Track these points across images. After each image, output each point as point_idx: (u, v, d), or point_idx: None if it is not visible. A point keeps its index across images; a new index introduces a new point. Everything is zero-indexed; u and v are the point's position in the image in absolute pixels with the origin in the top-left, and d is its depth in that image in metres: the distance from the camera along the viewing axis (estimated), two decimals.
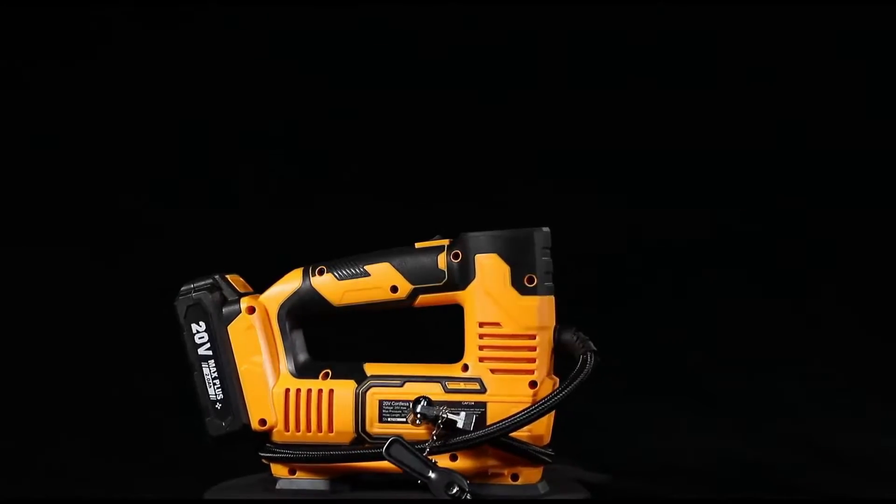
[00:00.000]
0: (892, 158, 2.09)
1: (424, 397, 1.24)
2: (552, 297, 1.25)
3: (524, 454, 1.24)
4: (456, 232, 1.28)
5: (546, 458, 1.26)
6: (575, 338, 1.24)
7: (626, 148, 2.10)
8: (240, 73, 2.08)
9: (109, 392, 1.82)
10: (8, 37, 2.05)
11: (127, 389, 1.84)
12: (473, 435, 1.21)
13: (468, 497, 1.18)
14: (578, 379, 1.20)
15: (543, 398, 1.21)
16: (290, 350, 1.30)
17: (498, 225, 1.26)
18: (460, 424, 1.21)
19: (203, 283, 1.30)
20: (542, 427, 1.24)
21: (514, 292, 1.23)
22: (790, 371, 1.94)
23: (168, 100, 2.06)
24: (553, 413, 1.24)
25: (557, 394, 1.20)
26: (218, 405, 1.28)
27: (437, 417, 1.22)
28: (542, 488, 1.27)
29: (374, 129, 2.09)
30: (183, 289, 1.30)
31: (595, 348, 1.23)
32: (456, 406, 1.23)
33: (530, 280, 1.23)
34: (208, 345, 1.28)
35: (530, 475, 1.26)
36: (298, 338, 1.32)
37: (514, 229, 1.24)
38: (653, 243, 2.07)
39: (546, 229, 1.25)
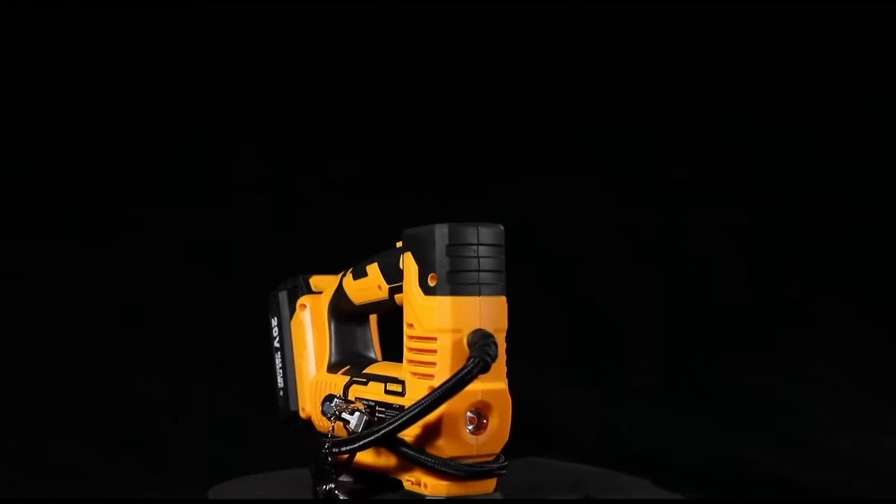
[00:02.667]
0: (891, 158, 2.09)
1: (334, 395, 1.24)
2: (474, 298, 1.15)
3: (419, 464, 1.15)
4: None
5: (441, 469, 1.14)
6: (475, 341, 1.14)
7: (626, 147, 2.10)
8: (239, 74, 2.08)
9: (109, 392, 1.82)
10: (7, 36, 2.05)
11: (127, 389, 1.84)
12: (349, 439, 1.17)
13: (337, 496, 1.17)
14: (443, 388, 1.11)
15: (408, 408, 1.12)
16: (336, 346, 1.34)
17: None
18: (351, 426, 1.19)
19: (286, 282, 1.38)
20: (439, 438, 1.15)
21: (419, 292, 1.17)
22: (790, 371, 1.94)
23: (168, 100, 2.06)
24: (441, 418, 1.14)
25: (419, 404, 1.11)
26: (281, 392, 1.37)
27: (333, 416, 1.21)
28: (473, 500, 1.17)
29: (377, 128, 2.09)
30: (279, 286, 1.39)
31: (488, 357, 1.11)
32: (387, 407, 1.20)
33: (432, 279, 1.16)
34: (278, 338, 1.38)
35: (437, 486, 1.16)
36: (352, 333, 1.35)
37: (422, 226, 1.17)
38: (653, 242, 2.07)
39: (495, 226, 1.17)
